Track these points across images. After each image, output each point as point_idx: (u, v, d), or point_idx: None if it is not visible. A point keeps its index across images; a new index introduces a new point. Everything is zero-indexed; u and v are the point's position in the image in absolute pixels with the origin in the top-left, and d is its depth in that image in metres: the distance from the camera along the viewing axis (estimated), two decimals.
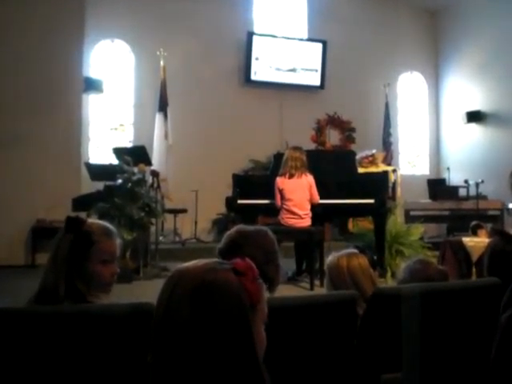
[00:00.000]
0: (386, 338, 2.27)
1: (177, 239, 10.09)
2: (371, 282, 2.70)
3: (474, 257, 5.84)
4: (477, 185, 9.27)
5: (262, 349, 1.26)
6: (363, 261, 2.77)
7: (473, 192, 9.69)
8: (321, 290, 6.31)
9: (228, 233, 2.39)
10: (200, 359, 1.13)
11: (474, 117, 12.01)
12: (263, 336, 1.27)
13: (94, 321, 1.85)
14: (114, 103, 10.85)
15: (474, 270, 5.66)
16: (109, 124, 10.78)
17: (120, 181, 7.32)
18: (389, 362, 2.26)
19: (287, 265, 6.80)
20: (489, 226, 6.97)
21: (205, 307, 1.16)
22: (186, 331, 1.15)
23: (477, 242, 6.01)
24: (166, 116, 10.10)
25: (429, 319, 2.30)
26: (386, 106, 11.89)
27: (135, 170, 7.57)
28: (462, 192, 10.40)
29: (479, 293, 2.59)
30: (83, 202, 7.79)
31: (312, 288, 6.53)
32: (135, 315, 1.86)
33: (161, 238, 9.44)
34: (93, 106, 10.49)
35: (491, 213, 10.08)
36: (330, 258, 2.84)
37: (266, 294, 1.34)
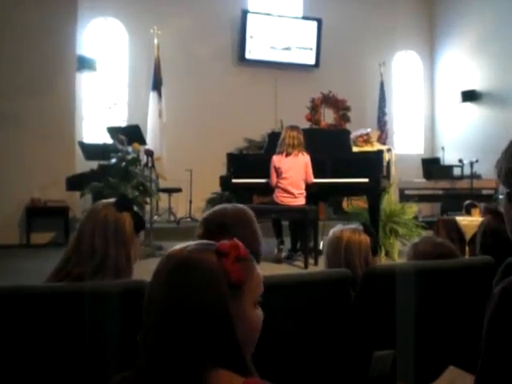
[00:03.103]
0: (379, 317, 2.28)
1: (171, 218, 10.09)
2: (365, 262, 2.67)
3: (468, 236, 5.87)
4: (471, 164, 9.27)
5: (254, 329, 1.28)
6: (364, 240, 2.72)
7: (467, 171, 9.70)
8: (315, 269, 6.34)
9: (207, 215, 2.33)
10: (175, 340, 1.17)
11: (469, 96, 11.98)
12: (255, 316, 1.28)
13: (86, 299, 1.85)
14: (107, 82, 10.78)
15: (467, 248, 5.69)
16: (102, 103, 10.72)
17: (114, 160, 7.30)
18: (381, 340, 2.27)
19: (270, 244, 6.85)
20: (482, 205, 6.98)
21: (179, 287, 1.20)
22: (163, 311, 1.20)
23: (470, 220, 6.04)
24: (160, 95, 10.06)
25: (422, 297, 2.32)
26: (381, 84, 11.85)
27: (129, 149, 7.55)
28: (457, 171, 10.41)
29: (472, 271, 2.60)
30: (77, 182, 7.80)
31: (306, 266, 6.55)
32: (127, 293, 1.87)
33: (155, 217, 9.44)
34: (86, 85, 10.42)
35: (485, 192, 10.09)
36: (333, 229, 2.80)
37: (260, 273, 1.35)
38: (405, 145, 13.06)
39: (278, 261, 6.90)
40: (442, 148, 11.73)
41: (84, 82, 10.31)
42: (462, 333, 2.44)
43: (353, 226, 2.82)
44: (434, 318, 2.37)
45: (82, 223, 2.19)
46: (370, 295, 2.29)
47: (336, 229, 2.77)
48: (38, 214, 8.74)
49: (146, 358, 1.20)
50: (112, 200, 2.20)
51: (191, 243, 1.29)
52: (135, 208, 2.26)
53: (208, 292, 1.19)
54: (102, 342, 1.81)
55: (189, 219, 10.03)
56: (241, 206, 2.40)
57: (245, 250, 1.29)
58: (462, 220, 6.21)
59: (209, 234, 2.19)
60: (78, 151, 8.61)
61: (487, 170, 9.77)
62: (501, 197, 1.53)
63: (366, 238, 2.71)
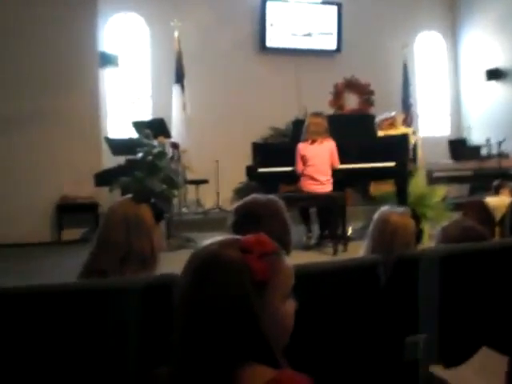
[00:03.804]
0: (411, 302, 2.28)
1: (200, 210, 10.14)
2: (406, 248, 2.63)
3: (497, 216, 5.81)
4: (499, 143, 9.18)
5: (284, 323, 1.29)
6: (410, 224, 2.69)
7: (495, 151, 9.60)
8: (344, 256, 6.34)
9: (239, 205, 2.34)
10: (202, 339, 1.18)
11: (494, 74, 11.81)
12: (285, 311, 1.28)
13: (113, 295, 1.88)
14: (130, 77, 10.83)
15: (497, 229, 5.64)
16: (126, 98, 10.78)
17: (140, 154, 7.35)
18: (412, 325, 2.28)
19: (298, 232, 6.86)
20: (511, 184, 6.90)
21: (203, 287, 1.21)
22: (189, 310, 1.22)
23: (499, 201, 5.98)
24: (183, 87, 10.06)
25: (449, 281, 2.31)
26: (404, 67, 11.72)
27: (155, 142, 7.60)
28: (484, 151, 10.31)
29: (504, 253, 2.59)
30: (105, 177, 7.86)
31: (335, 253, 6.56)
32: (157, 287, 1.90)
33: (184, 209, 9.50)
34: (109, 81, 10.48)
35: None
36: (381, 210, 2.77)
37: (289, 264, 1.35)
38: (431, 127, 12.92)
39: (306, 248, 6.92)
40: (469, 128, 11.60)
41: (107, 77, 10.36)
42: (492, 315, 2.43)
43: (401, 209, 2.80)
44: (467, 301, 2.37)
45: (104, 220, 2.25)
46: (401, 280, 2.29)
47: (384, 210, 2.75)
48: (69, 211, 8.84)
49: (178, 356, 1.22)
50: (129, 195, 2.27)
51: (217, 239, 1.30)
52: (153, 199, 2.32)
53: (232, 291, 1.19)
54: (131, 338, 1.83)
55: (217, 210, 10.06)
56: (272, 196, 2.40)
57: (271, 245, 1.29)
58: (491, 201, 6.14)
59: (240, 225, 2.21)
60: (105, 147, 8.66)
61: None
62: None
63: (412, 223, 2.69)
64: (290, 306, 1.30)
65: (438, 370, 2.07)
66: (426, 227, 7.24)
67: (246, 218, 2.25)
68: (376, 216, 2.77)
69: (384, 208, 2.77)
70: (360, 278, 2.28)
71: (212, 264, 1.23)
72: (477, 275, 2.44)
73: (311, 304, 2.02)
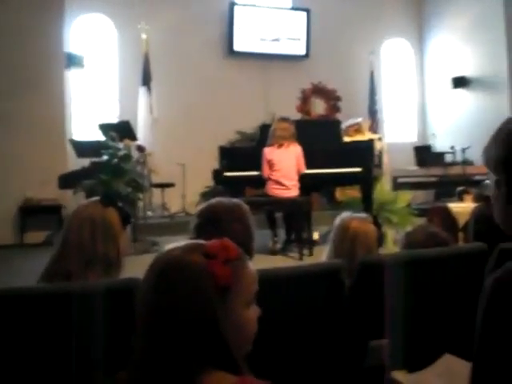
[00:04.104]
0: (374, 306, 2.28)
1: (165, 213, 10.07)
2: (368, 253, 2.65)
3: (461, 222, 5.87)
4: (463, 150, 9.30)
5: (247, 329, 1.28)
6: (371, 230, 2.73)
7: (459, 158, 9.73)
8: (310, 260, 6.35)
9: (203, 208, 2.31)
10: (162, 344, 1.17)
11: (460, 82, 11.97)
12: (248, 316, 1.27)
13: (76, 299, 1.84)
14: (96, 79, 10.72)
15: (460, 235, 5.70)
16: (92, 100, 10.67)
17: (105, 157, 7.29)
18: (376, 330, 2.28)
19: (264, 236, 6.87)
20: (475, 191, 6.99)
21: (165, 291, 1.20)
22: (150, 315, 1.20)
23: (463, 207, 6.04)
24: (149, 90, 10.01)
25: (413, 287, 2.32)
26: (371, 73, 11.84)
27: (120, 145, 7.54)
28: (449, 158, 10.44)
29: (466, 259, 2.61)
30: (69, 180, 7.78)
31: (301, 258, 6.56)
32: (119, 292, 1.87)
33: (149, 212, 9.44)
34: (75, 82, 10.36)
35: (478, 178, 10.10)
36: (341, 216, 2.80)
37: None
38: (397, 133, 13.04)
39: (272, 253, 6.91)
40: (433, 135, 11.74)
41: (73, 79, 10.25)
42: (456, 320, 2.45)
43: (362, 215, 2.82)
44: (428, 306, 2.38)
45: (68, 222, 2.21)
46: (365, 285, 2.29)
47: (344, 216, 2.77)
48: (32, 213, 8.71)
49: (138, 361, 1.20)
50: (96, 198, 2.24)
51: (180, 244, 1.29)
52: (120, 204, 2.30)
53: (194, 296, 1.18)
54: (93, 341, 1.80)
55: (183, 214, 10.01)
56: (236, 200, 2.38)
57: (235, 251, 1.28)
58: (455, 207, 6.21)
59: (203, 228, 2.19)
60: (70, 149, 8.56)
61: (479, 155, 9.74)
62: (488, 182, 1.53)
63: (373, 229, 2.71)
64: (253, 312, 1.29)
65: (400, 375, 2.07)
66: (391, 232, 7.31)
67: (209, 221, 2.22)
68: (336, 222, 2.79)
69: (344, 214, 2.80)
70: (324, 283, 2.27)
71: (174, 269, 1.22)
72: (440, 280, 2.46)
73: (275, 309, 2.01)
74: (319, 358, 2.21)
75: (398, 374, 2.03)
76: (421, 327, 2.32)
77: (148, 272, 1.26)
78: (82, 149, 8.24)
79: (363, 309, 2.28)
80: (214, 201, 2.35)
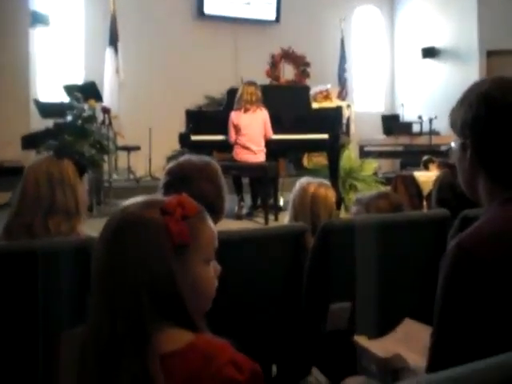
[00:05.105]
0: (336, 270, 2.27)
1: (131, 177, 9.96)
2: (329, 216, 2.71)
3: (425, 191, 5.92)
4: (430, 121, 9.33)
5: (205, 286, 1.26)
6: (330, 194, 2.78)
7: (426, 128, 9.76)
8: (275, 225, 6.35)
9: (172, 166, 2.27)
10: (117, 298, 1.15)
11: (429, 52, 11.99)
12: (206, 273, 1.26)
13: (38, 257, 1.82)
14: (62, 38, 10.46)
15: (424, 203, 5.75)
16: (57, 60, 10.41)
17: (70, 118, 7.18)
18: (338, 293, 2.28)
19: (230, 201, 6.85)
20: (440, 159, 7.05)
21: (120, 246, 1.18)
22: (105, 270, 1.19)
23: (428, 176, 6.08)
24: (116, 51, 9.80)
25: (380, 250, 2.32)
26: (342, 41, 11.76)
27: (85, 106, 7.42)
28: (416, 128, 10.47)
29: (428, 225, 2.62)
30: (32, 140, 7.63)
31: (267, 223, 6.57)
32: (77, 250, 1.85)
33: (114, 175, 9.32)
34: (40, 41, 10.09)
35: (443, 148, 10.17)
36: (301, 181, 2.82)
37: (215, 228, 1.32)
38: (365, 102, 13.05)
39: (238, 218, 6.91)
40: (402, 105, 11.77)
41: (38, 38, 9.97)
42: (418, 285, 2.46)
43: (319, 179, 2.85)
44: (391, 270, 2.38)
45: (25, 178, 2.24)
46: (326, 248, 2.28)
47: (303, 181, 2.79)
48: None
49: (93, 318, 1.18)
50: (50, 152, 2.29)
51: (137, 200, 1.26)
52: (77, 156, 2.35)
53: (149, 252, 1.17)
54: (52, 300, 1.78)
55: (149, 178, 9.92)
56: (207, 158, 2.34)
57: (193, 207, 1.25)
58: (420, 175, 6.26)
59: (172, 186, 2.14)
60: (34, 110, 8.40)
61: (446, 126, 9.83)
62: (453, 145, 1.53)
63: (332, 192, 2.74)
64: (213, 270, 1.28)
65: (362, 339, 2.07)
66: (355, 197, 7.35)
67: (178, 180, 2.18)
68: (296, 187, 2.80)
69: (303, 179, 2.81)
70: (286, 246, 2.26)
71: (130, 225, 1.20)
72: (404, 246, 2.46)
73: (238, 270, 2.00)
74: (279, 320, 2.21)
75: (359, 339, 2.03)
76: (386, 292, 2.32)
77: (104, 229, 1.24)
78: (46, 109, 8.09)
79: (324, 271, 2.27)
80: (183, 159, 2.31)
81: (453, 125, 1.53)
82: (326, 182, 2.84)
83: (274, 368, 2.39)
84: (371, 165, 7.87)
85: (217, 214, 2.14)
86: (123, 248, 1.18)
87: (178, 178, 2.19)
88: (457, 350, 1.23)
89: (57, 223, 2.17)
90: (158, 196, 1.33)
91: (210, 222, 1.29)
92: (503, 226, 1.30)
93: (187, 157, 2.34)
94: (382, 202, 2.69)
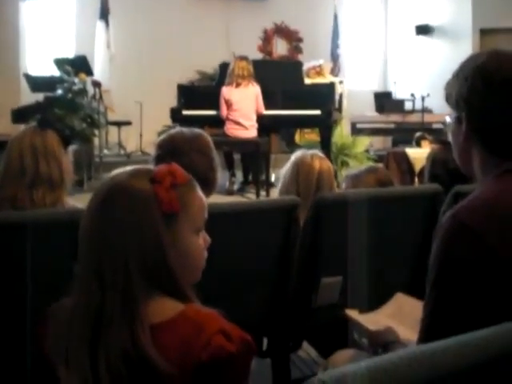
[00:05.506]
0: (328, 244, 2.27)
1: (122, 152, 9.92)
2: (331, 190, 2.71)
3: (417, 168, 5.93)
4: (422, 98, 9.30)
5: (195, 256, 1.26)
6: (332, 167, 2.77)
7: (419, 106, 9.74)
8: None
9: (163, 139, 2.26)
10: (106, 267, 1.15)
11: (423, 30, 11.93)
12: (195, 243, 1.25)
13: (27, 229, 1.80)
14: (52, 11, 10.31)
15: (416, 180, 5.76)
16: (48, 33, 10.29)
17: (60, 91, 7.12)
18: (329, 267, 2.27)
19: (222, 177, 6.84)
20: (433, 136, 7.05)
21: (108, 215, 1.17)
22: (92, 239, 1.18)
23: (420, 153, 6.09)
24: (107, 24, 9.70)
25: (372, 225, 2.31)
26: (335, 16, 11.67)
27: (76, 80, 7.35)
28: (408, 105, 10.45)
29: (421, 199, 2.61)
30: (23, 114, 7.57)
31: (258, 199, 6.55)
32: (67, 223, 1.82)
33: (105, 150, 9.28)
34: (30, 14, 9.95)
35: (436, 126, 10.17)
36: (299, 155, 2.79)
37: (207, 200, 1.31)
38: (358, 79, 12.98)
39: (229, 193, 6.90)
40: (394, 82, 11.73)
41: (28, 11, 9.83)
42: (410, 260, 2.46)
43: (314, 150, 2.82)
44: (382, 245, 2.38)
45: (8, 150, 2.24)
46: (319, 222, 2.27)
47: (305, 155, 2.75)
48: None
49: (81, 287, 1.17)
50: (33, 123, 2.28)
51: (126, 169, 1.26)
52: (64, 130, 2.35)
53: (138, 221, 1.16)
54: (40, 272, 1.76)
55: (139, 153, 9.87)
56: (197, 130, 2.32)
57: (183, 176, 1.24)
58: (412, 152, 6.26)
59: (163, 159, 2.11)
60: (24, 84, 8.32)
61: (438, 104, 9.83)
62: (448, 120, 1.52)
63: (331, 165, 2.74)
64: (202, 240, 1.27)
65: (353, 313, 2.07)
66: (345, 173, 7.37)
67: (169, 152, 2.16)
68: (297, 160, 2.76)
69: (299, 153, 2.79)
70: (278, 219, 2.24)
71: (119, 194, 1.19)
72: (395, 220, 2.45)
73: (230, 243, 2.00)
74: (270, 293, 2.21)
75: (351, 312, 2.03)
76: (377, 266, 2.32)
77: (92, 198, 1.23)
78: (37, 83, 8.04)
79: (316, 246, 2.26)
80: (174, 131, 2.31)
81: (448, 98, 1.52)
82: (320, 153, 2.81)
83: (266, 341, 2.40)
84: (363, 141, 7.86)
85: (209, 186, 2.13)
86: (111, 216, 1.17)
87: (169, 151, 2.18)
88: (449, 322, 1.22)
89: (41, 195, 2.17)
90: (146, 166, 1.32)
91: (200, 191, 1.29)
92: (498, 199, 1.30)
93: (178, 129, 2.33)
94: (369, 176, 2.68)
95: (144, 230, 1.15)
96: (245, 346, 1.11)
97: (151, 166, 1.31)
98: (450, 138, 1.54)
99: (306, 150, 2.82)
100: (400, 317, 2.02)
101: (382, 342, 1.75)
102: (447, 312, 1.24)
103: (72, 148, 6.81)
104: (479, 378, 0.83)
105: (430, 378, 0.78)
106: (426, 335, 1.27)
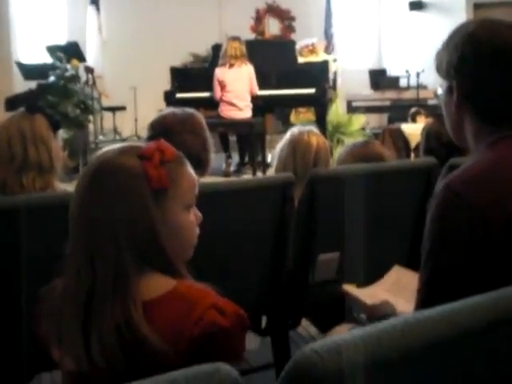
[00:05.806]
0: (324, 220, 2.26)
1: (117, 137, 9.88)
2: (327, 166, 2.70)
3: (413, 143, 5.91)
4: (417, 74, 9.27)
5: (185, 232, 1.25)
6: (328, 144, 2.76)
7: (414, 82, 9.70)
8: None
9: (155, 120, 2.25)
10: (96, 246, 1.14)
11: (416, 5, 11.86)
12: (186, 220, 1.24)
13: (20, 213, 1.80)
14: None
15: (412, 155, 5.75)
16: (40, 20, 10.19)
17: (52, 78, 7.09)
18: (326, 243, 2.27)
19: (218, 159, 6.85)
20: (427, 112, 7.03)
21: (96, 192, 1.17)
22: (82, 217, 1.18)
23: (415, 128, 6.07)
24: (98, 9, 9.63)
25: (368, 199, 2.30)
26: None
27: (68, 66, 7.32)
28: (403, 82, 10.41)
29: (416, 173, 2.61)
30: (16, 102, 7.53)
31: None
32: (54, 206, 1.84)
33: (100, 136, 9.25)
34: (21, 1, 9.85)
35: (431, 102, 10.14)
36: (296, 132, 2.76)
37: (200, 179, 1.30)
38: (352, 57, 12.89)
39: (226, 175, 6.89)
40: (389, 59, 11.68)
41: None
42: (406, 233, 2.46)
43: (310, 127, 2.81)
44: (379, 219, 2.37)
45: None
46: (314, 198, 2.26)
47: (302, 131, 2.74)
48: None
49: (72, 266, 1.17)
50: (21, 109, 2.29)
51: (116, 146, 1.24)
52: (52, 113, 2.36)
53: (128, 197, 1.15)
54: (34, 255, 1.75)
55: (135, 138, 9.83)
56: (189, 110, 2.31)
57: (172, 152, 1.23)
58: (408, 128, 6.25)
59: (154, 139, 2.11)
60: (16, 71, 8.27)
61: (433, 80, 9.79)
62: (440, 91, 1.51)
63: (326, 140, 2.74)
64: (193, 217, 1.26)
65: (351, 288, 2.07)
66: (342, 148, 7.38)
67: (161, 133, 2.14)
68: (294, 137, 2.74)
69: (294, 129, 2.77)
70: (274, 196, 2.23)
71: (107, 171, 1.18)
72: (390, 194, 2.45)
73: (225, 220, 1.99)
74: (268, 270, 2.21)
75: (348, 287, 2.03)
76: (374, 240, 2.31)
77: (81, 176, 1.23)
78: (29, 71, 8.01)
79: (312, 222, 2.26)
80: (166, 112, 2.31)
81: (438, 67, 1.51)
82: (315, 129, 2.80)
83: (264, 319, 2.40)
84: (359, 119, 7.84)
85: (202, 166, 2.12)
86: (100, 194, 1.16)
87: (161, 131, 2.16)
88: (444, 291, 1.23)
89: (31, 180, 2.18)
90: (135, 143, 1.31)
91: (190, 167, 1.28)
92: (492, 168, 1.30)
93: (170, 110, 2.32)
94: (359, 150, 2.65)
95: (133, 207, 1.15)
96: (238, 321, 1.11)
97: (138, 144, 1.30)
98: (442, 109, 1.53)
99: (302, 127, 2.79)
100: (398, 289, 2.02)
101: (380, 315, 1.75)
102: (443, 281, 1.24)
103: (67, 134, 6.82)
104: (473, 345, 0.83)
105: (424, 346, 0.77)
106: (422, 305, 1.27)
